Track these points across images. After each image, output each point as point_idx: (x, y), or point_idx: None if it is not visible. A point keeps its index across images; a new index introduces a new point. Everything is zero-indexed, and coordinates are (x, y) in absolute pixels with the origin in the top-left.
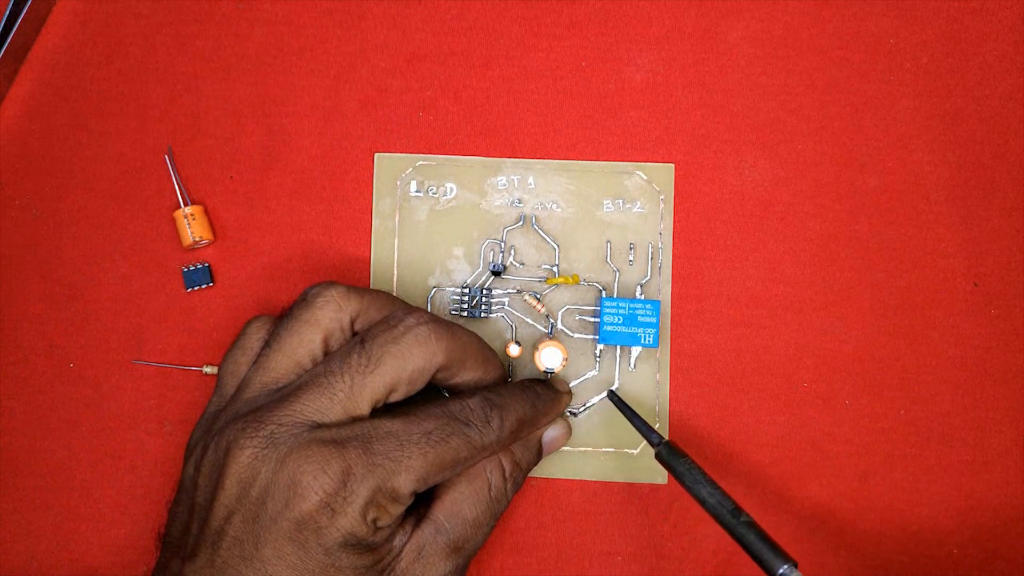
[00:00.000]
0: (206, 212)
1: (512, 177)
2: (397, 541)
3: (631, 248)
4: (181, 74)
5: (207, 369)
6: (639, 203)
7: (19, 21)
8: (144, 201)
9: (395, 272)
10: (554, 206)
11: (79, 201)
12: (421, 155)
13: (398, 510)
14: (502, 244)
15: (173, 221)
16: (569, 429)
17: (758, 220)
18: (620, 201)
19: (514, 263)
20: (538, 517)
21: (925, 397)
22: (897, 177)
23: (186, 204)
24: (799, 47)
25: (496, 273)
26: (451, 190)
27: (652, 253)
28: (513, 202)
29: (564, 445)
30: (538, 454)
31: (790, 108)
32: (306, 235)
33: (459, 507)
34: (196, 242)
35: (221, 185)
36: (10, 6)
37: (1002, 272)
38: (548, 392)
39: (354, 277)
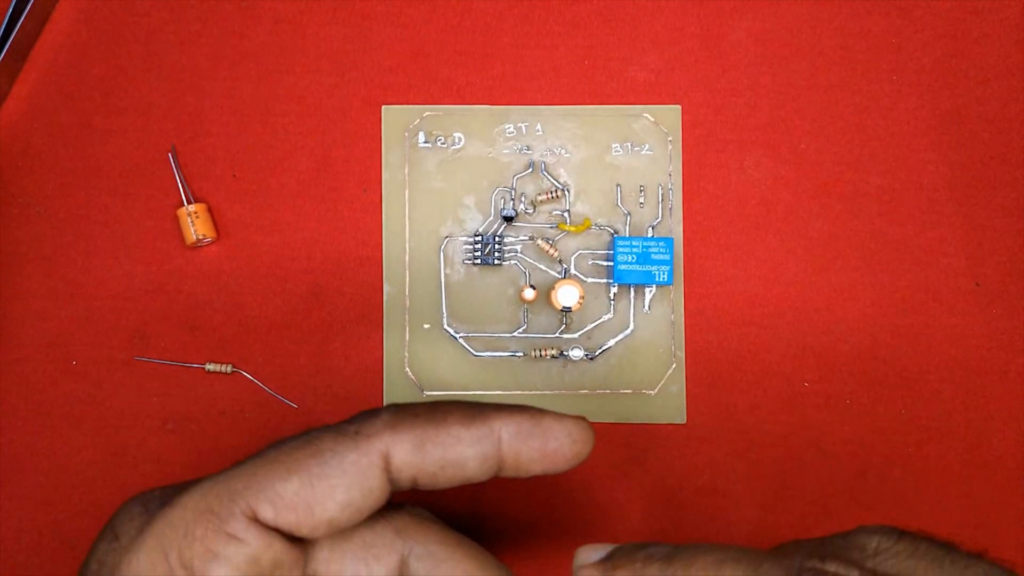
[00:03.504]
0: (209, 210)
1: (520, 124)
2: None
3: (641, 190)
4: (184, 72)
5: (210, 367)
6: (648, 145)
7: (22, 19)
8: (147, 199)
9: (407, 230)
10: (563, 151)
11: (82, 199)
12: (428, 105)
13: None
14: (512, 191)
15: (176, 219)
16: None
17: (759, 220)
18: (629, 144)
19: (525, 209)
20: None
21: (925, 397)
22: (899, 176)
23: (189, 202)
24: (800, 47)
25: (508, 219)
26: (459, 139)
27: (663, 195)
28: (522, 149)
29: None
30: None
31: (791, 108)
32: (310, 233)
33: None
34: (199, 240)
35: (224, 183)
36: (13, 4)
37: (1004, 272)
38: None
39: (357, 278)
